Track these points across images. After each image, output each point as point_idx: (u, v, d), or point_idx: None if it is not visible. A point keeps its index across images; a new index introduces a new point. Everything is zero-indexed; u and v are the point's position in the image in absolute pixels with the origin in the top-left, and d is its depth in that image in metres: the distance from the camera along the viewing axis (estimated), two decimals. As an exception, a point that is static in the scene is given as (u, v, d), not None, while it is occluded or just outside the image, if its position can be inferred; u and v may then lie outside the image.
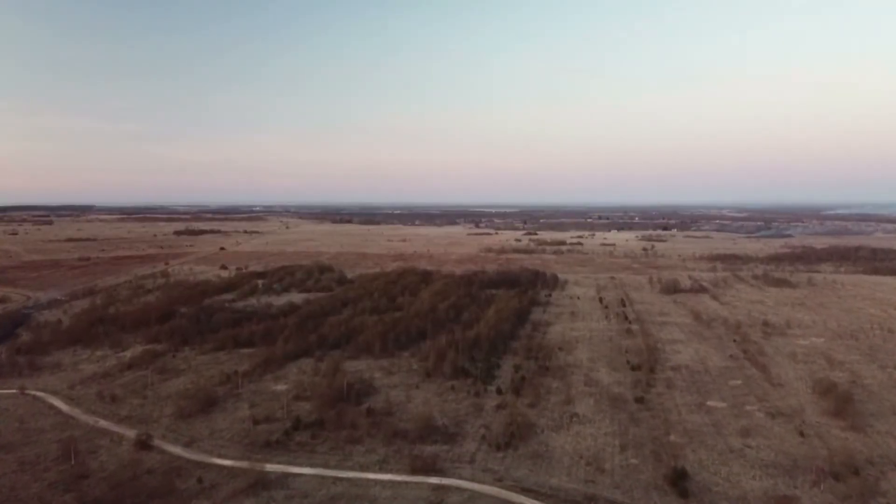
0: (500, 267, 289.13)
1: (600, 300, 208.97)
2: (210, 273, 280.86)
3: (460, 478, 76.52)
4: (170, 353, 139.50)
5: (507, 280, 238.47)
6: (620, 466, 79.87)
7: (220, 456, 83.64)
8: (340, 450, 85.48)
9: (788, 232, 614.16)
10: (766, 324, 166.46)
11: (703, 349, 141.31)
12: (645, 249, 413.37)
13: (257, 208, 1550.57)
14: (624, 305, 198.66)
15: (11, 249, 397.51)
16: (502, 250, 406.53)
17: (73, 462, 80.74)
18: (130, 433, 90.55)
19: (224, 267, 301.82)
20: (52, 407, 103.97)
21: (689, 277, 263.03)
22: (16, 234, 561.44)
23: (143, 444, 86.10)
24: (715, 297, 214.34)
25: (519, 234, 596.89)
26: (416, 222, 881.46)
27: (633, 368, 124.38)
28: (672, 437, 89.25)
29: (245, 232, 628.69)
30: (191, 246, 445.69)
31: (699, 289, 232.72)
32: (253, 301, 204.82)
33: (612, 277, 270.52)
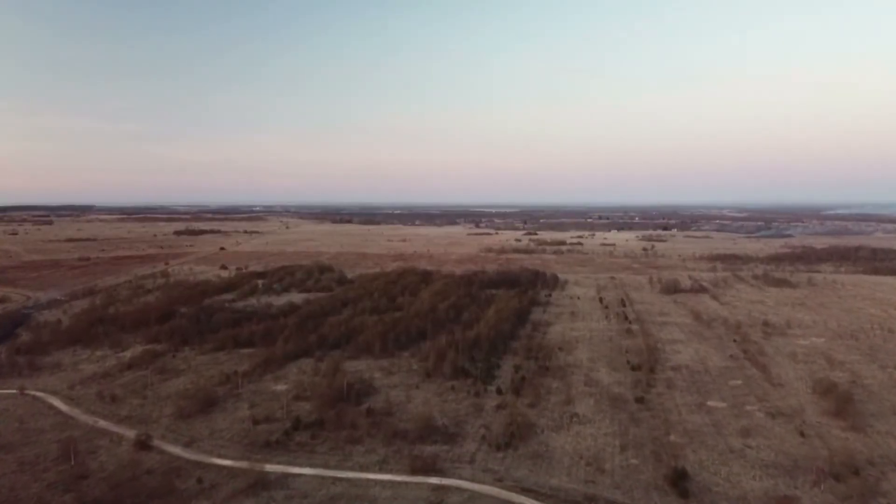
0: (500, 267, 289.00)
1: (600, 300, 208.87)
2: (210, 273, 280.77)
3: (460, 478, 76.45)
4: (170, 353, 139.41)
5: (507, 280, 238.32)
6: (621, 466, 79.79)
7: (219, 456, 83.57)
8: (340, 450, 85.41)
9: (788, 232, 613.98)
10: (766, 324, 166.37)
11: (703, 349, 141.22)
12: (645, 249, 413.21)
13: (257, 208, 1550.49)
14: (624, 305, 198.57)
15: (11, 249, 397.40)
16: (502, 250, 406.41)
17: (72, 462, 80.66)
18: (130, 433, 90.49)
19: (224, 267, 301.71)
20: (51, 407, 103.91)
21: (690, 277, 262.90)
22: (16, 234, 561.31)
23: (143, 445, 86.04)
24: (715, 297, 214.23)
25: (519, 234, 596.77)
26: (417, 222, 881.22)
27: (634, 368, 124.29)
28: (672, 438, 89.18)
29: (245, 232, 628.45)
30: (191, 246, 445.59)
31: (699, 289, 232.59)
32: (253, 301, 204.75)
33: (612, 277, 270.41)
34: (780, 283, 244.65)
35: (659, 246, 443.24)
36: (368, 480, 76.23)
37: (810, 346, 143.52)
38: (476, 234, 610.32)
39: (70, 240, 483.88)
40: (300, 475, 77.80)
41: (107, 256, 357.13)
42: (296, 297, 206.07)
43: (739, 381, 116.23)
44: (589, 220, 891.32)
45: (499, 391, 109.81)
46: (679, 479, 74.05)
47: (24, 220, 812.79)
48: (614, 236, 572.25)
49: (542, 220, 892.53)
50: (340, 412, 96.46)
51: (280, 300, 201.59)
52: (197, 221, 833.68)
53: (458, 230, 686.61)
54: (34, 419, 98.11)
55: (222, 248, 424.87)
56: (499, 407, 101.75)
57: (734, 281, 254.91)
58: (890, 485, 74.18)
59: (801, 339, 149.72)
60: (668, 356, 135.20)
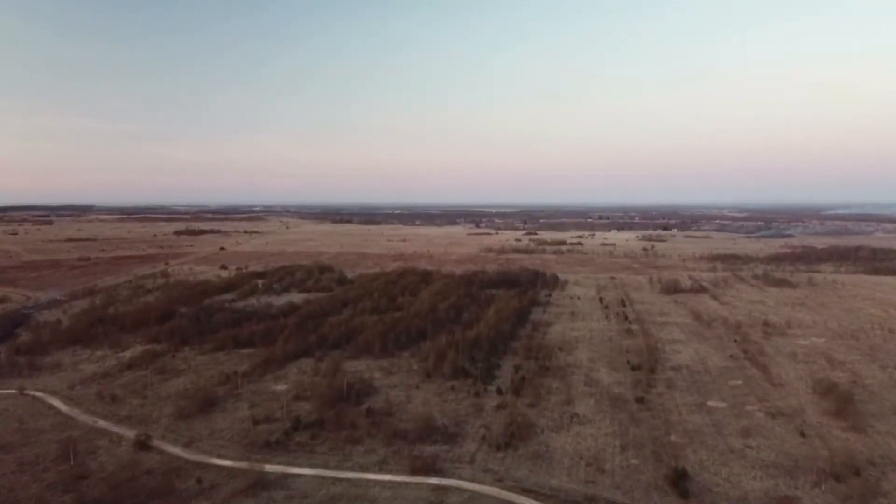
0: (500, 267, 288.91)
1: (600, 300, 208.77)
2: (210, 273, 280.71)
3: (460, 478, 76.36)
4: (169, 353, 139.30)
5: (507, 280, 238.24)
6: (621, 467, 79.70)
7: (219, 456, 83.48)
8: (340, 450, 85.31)
9: (788, 232, 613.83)
10: (766, 324, 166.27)
11: (703, 349, 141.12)
12: (645, 249, 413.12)
13: (257, 208, 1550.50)
14: (624, 305, 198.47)
15: (11, 249, 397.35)
16: (502, 250, 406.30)
17: (72, 462, 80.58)
18: (130, 433, 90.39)
19: (224, 267, 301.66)
20: (51, 407, 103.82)
21: (690, 277, 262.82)
22: (16, 234, 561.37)
23: (143, 445, 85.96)
24: (715, 297, 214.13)
25: (519, 234, 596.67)
26: (417, 222, 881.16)
27: (634, 368, 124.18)
28: (672, 438, 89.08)
29: (245, 232, 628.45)
30: (191, 246, 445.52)
31: (699, 289, 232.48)
32: (253, 301, 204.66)
33: (613, 277, 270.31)
34: (781, 283, 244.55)
35: (659, 246, 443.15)
36: (368, 481, 76.14)
37: (810, 346, 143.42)
38: (476, 234, 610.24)
39: (70, 240, 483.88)
40: (300, 475, 77.70)
41: (107, 256, 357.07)
42: (296, 297, 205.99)
43: (740, 381, 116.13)
44: (589, 220, 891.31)
45: (499, 391, 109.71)
46: (679, 480, 73.96)
47: (24, 220, 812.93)
48: (614, 236, 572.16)
49: (542, 220, 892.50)
50: (340, 412, 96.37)
51: (280, 300, 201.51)
52: (197, 221, 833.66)
53: (458, 230, 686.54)
54: (34, 419, 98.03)
55: (222, 248, 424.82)
56: (499, 407, 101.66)
57: (734, 281, 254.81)
58: (890, 485, 74.08)
59: (801, 339, 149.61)
60: (668, 356, 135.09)
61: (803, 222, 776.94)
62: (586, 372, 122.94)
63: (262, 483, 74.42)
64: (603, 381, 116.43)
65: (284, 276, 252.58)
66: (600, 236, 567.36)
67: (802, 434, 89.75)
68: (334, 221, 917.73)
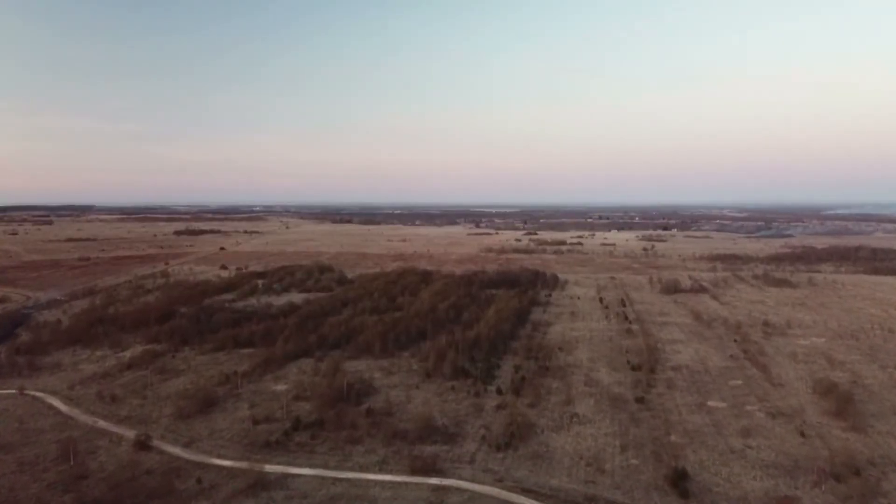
0: (500, 267, 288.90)
1: (600, 300, 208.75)
2: (210, 273, 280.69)
3: (460, 478, 76.33)
4: (169, 353, 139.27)
5: (507, 280, 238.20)
6: (621, 467, 79.68)
7: (219, 456, 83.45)
8: (340, 450, 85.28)
9: (788, 232, 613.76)
10: (766, 324, 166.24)
11: (703, 349, 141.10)
12: (645, 249, 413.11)
13: (257, 208, 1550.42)
14: (624, 305, 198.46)
15: (11, 249, 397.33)
16: (502, 250, 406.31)
17: (72, 462, 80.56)
18: (130, 433, 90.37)
19: (224, 267, 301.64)
20: (51, 407, 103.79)
21: (690, 277, 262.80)
22: (16, 234, 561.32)
23: (143, 445, 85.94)
24: (715, 297, 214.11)
25: (519, 234, 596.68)
26: (417, 222, 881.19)
27: (634, 368, 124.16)
28: (672, 438, 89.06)
29: (245, 232, 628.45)
30: (191, 246, 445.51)
31: (699, 289, 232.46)
32: (253, 301, 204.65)
33: (613, 277, 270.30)
34: (781, 283, 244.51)
35: (659, 246, 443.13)
36: (368, 481, 76.11)
37: (811, 346, 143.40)
38: (476, 234, 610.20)
39: (70, 240, 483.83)
40: (300, 475, 77.67)
41: (107, 256, 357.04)
42: (296, 297, 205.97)
43: (740, 381, 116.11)
44: (589, 220, 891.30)
45: (499, 391, 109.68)
46: (679, 480, 73.94)
47: (24, 220, 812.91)
48: (614, 236, 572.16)
49: (542, 220, 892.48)
50: (340, 412, 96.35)
51: (280, 300, 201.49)
52: (197, 221, 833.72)
53: (458, 230, 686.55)
54: (34, 419, 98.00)
55: (222, 248, 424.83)
56: (499, 407, 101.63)
57: (734, 281, 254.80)
58: (891, 485, 74.06)
59: (801, 339, 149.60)
60: (668, 356, 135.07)
61: (803, 222, 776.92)
62: (586, 372, 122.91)
63: (261, 483, 74.39)
64: (603, 381, 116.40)
65: (284, 276, 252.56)
66: (600, 236, 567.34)
67: (802, 434, 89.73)
68: (334, 221, 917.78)
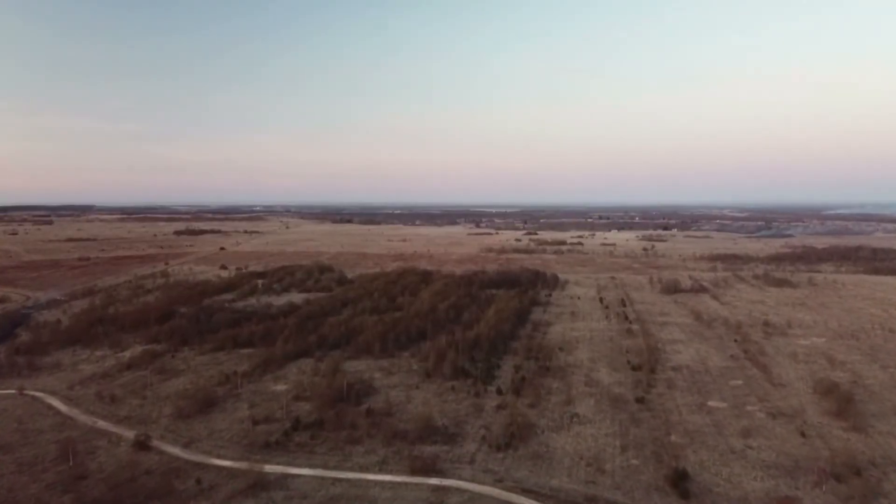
0: (500, 267, 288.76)
1: (601, 300, 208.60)
2: (210, 273, 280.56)
3: (460, 479, 76.20)
4: (169, 353, 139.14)
5: (508, 280, 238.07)
6: (621, 467, 79.54)
7: (219, 457, 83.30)
8: (340, 450, 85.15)
9: (789, 232, 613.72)
10: (766, 324, 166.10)
11: (703, 349, 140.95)
12: (645, 249, 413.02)
13: (257, 208, 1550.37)
14: (624, 305, 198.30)
15: (11, 249, 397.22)
16: (502, 250, 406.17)
17: (71, 463, 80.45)
18: (129, 434, 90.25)
19: (224, 267, 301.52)
20: (50, 407, 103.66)
21: (690, 277, 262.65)
22: (16, 234, 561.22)
23: (142, 445, 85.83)
24: (715, 297, 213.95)
25: (519, 233, 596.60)
26: (417, 222, 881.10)
27: (634, 368, 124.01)
28: (673, 438, 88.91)
29: (245, 232, 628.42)
30: (191, 246, 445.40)
31: (700, 289, 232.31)
32: (253, 301, 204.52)
33: (613, 277, 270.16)
34: (781, 282, 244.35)
35: (659, 246, 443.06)
36: (368, 481, 75.98)
37: (811, 346, 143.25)
38: (476, 234, 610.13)
39: (70, 240, 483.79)
40: (300, 476, 77.53)
41: (107, 256, 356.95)
42: (296, 298, 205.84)
43: (740, 382, 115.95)
44: (589, 220, 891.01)
45: (499, 391, 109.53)
46: (680, 480, 73.81)
47: (24, 220, 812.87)
48: (614, 236, 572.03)
49: (542, 220, 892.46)
50: (340, 412, 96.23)
51: (280, 300, 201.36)
52: (197, 221, 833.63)
53: (459, 230, 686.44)
54: (33, 419, 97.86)
55: (222, 248, 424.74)
56: (499, 407, 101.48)
57: (734, 281, 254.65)
58: (891, 485, 73.92)
59: (801, 339, 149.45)
60: (668, 356, 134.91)
61: (803, 222, 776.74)
62: (586, 372, 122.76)
63: (261, 483, 74.25)
64: (603, 382, 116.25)
65: (284, 276, 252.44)
66: (600, 236, 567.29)
67: (803, 434, 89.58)
68: (334, 221, 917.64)
